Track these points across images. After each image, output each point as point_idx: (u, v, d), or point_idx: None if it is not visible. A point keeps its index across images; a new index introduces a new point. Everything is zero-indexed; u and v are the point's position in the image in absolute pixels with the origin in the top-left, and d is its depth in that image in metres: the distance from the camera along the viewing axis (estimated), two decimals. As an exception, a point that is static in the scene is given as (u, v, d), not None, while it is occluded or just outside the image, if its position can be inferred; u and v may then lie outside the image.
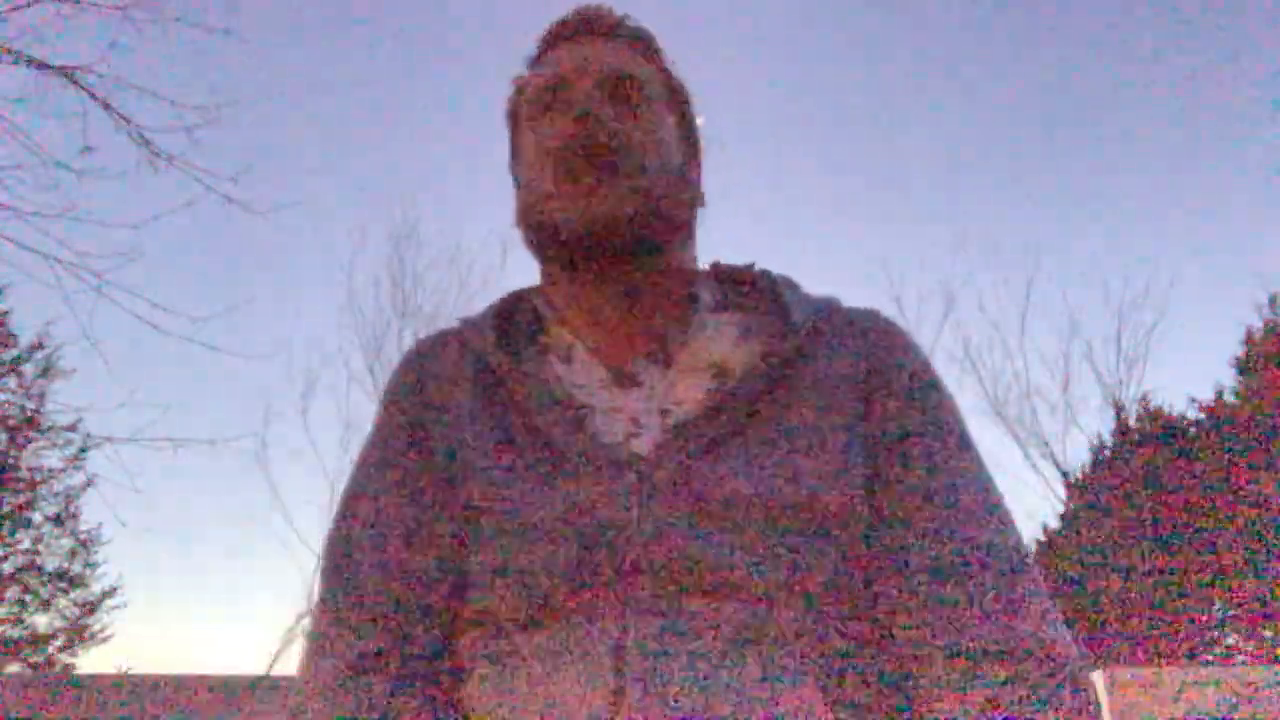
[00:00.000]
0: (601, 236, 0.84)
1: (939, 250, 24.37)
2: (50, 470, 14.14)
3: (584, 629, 0.74)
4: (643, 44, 0.94)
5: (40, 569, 14.23)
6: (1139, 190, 20.79)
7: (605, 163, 0.84)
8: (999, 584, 0.77)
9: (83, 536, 14.46)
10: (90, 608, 14.53)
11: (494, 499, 0.80)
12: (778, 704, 0.71)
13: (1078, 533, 14.67)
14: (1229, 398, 15.07)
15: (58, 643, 14.26)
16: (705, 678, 0.71)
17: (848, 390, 0.84)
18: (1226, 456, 14.07)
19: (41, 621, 14.25)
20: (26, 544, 14.24)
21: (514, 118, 0.97)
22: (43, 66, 5.96)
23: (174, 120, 6.34)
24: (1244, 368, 15.18)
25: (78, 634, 14.40)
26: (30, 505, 14.11)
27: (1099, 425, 17.35)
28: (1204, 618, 14.24)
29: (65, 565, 14.39)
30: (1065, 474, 15.25)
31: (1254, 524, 13.51)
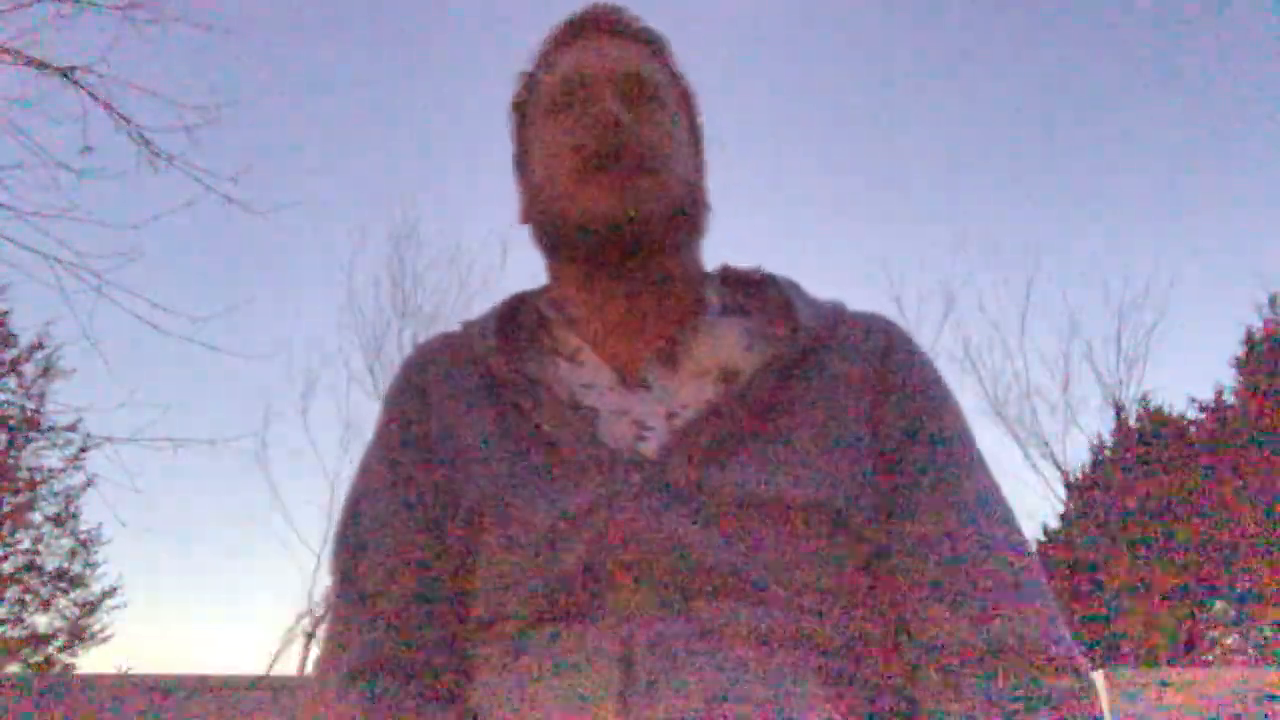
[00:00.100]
0: (624, 233, 0.84)
1: (939, 250, 24.36)
2: (50, 470, 14.15)
3: (591, 631, 0.75)
4: (654, 45, 0.95)
5: (40, 569, 14.23)
6: (1139, 190, 20.80)
7: (627, 162, 0.85)
8: (1005, 585, 0.77)
9: (83, 536, 14.46)
10: (90, 608, 14.52)
11: (500, 502, 0.80)
12: (786, 705, 0.71)
13: (1078, 533, 14.67)
14: (1229, 398, 15.07)
15: (58, 643, 14.25)
16: (713, 679, 0.71)
17: (855, 394, 0.84)
18: (1226, 456, 14.06)
19: (41, 621, 14.24)
20: (26, 544, 14.24)
21: (520, 112, 0.97)
22: (43, 66, 5.97)
23: (174, 120, 6.34)
24: (1244, 368, 15.18)
25: (78, 634, 14.39)
26: (30, 505, 14.10)
27: (1099, 425, 17.34)
28: (1204, 618, 14.24)
29: (65, 565, 14.38)
30: (1065, 474, 15.26)
31: (1254, 524, 13.50)
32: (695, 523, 0.77)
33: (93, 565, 14.64)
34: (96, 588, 14.64)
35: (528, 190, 0.95)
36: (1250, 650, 14.10)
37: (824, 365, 0.86)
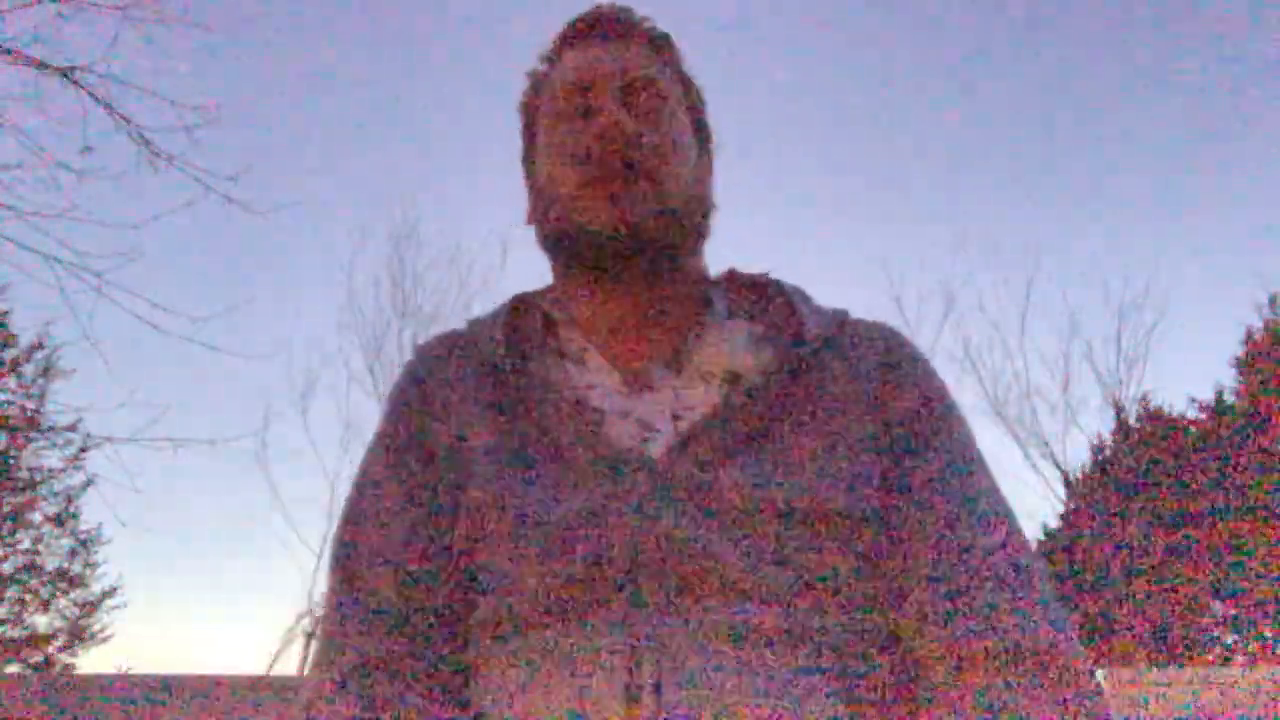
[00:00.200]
0: (626, 241, 0.85)
1: (939, 250, 24.34)
2: (50, 470, 14.15)
3: (597, 631, 0.75)
4: (660, 45, 0.94)
5: (40, 569, 14.23)
6: (1139, 190, 20.80)
7: (630, 170, 0.85)
8: (1010, 589, 0.77)
9: (83, 536, 14.47)
10: (90, 608, 14.53)
11: (504, 502, 0.80)
12: (791, 704, 0.71)
13: (1078, 533, 14.68)
14: (1229, 398, 15.07)
15: (58, 643, 14.26)
16: (719, 679, 0.71)
17: (860, 400, 0.84)
18: (1226, 456, 14.07)
19: (41, 621, 14.25)
20: (26, 544, 14.25)
21: (528, 112, 0.97)
22: (43, 66, 5.96)
23: (174, 120, 6.33)
24: (1244, 368, 15.18)
25: (78, 634, 14.40)
26: (30, 505, 14.11)
27: (1099, 425, 17.35)
28: (1204, 618, 14.25)
29: (65, 565, 14.39)
30: (1065, 474, 15.27)
31: (1254, 524, 13.51)
32: (700, 524, 0.77)
33: (93, 565, 14.65)
34: (96, 588, 14.66)
35: (533, 193, 0.95)
36: (1251, 650, 14.10)
37: (829, 371, 0.86)
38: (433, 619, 0.81)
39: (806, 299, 0.93)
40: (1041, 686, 0.72)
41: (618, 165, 0.85)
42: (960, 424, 0.88)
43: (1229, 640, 14.46)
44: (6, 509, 13.81)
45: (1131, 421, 15.18)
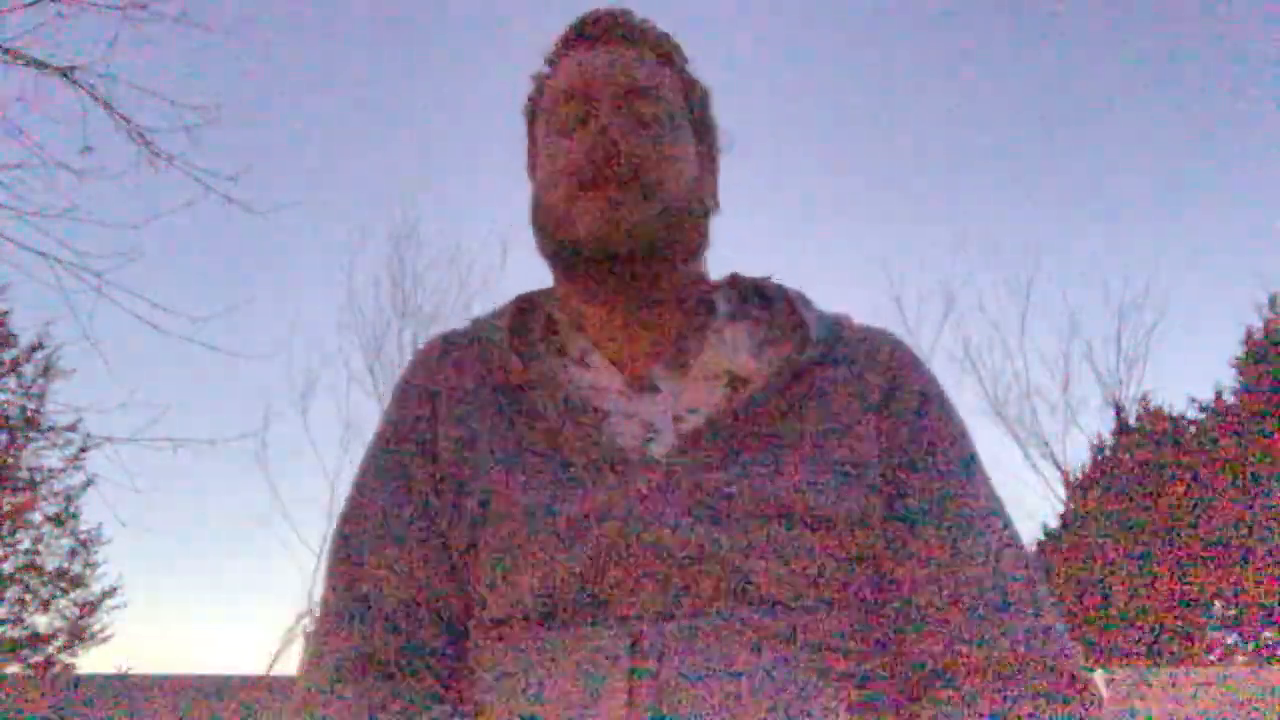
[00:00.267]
0: (616, 251, 0.85)
1: (939, 250, 24.38)
2: (50, 470, 14.14)
3: (598, 632, 0.75)
4: (661, 49, 0.94)
5: (40, 569, 14.22)
6: (1139, 190, 20.80)
7: (621, 180, 0.85)
8: (1009, 597, 0.77)
9: (83, 536, 14.46)
10: (90, 608, 14.51)
11: (507, 502, 0.80)
12: (792, 706, 0.71)
13: (1078, 533, 14.67)
14: (1229, 398, 15.06)
15: (58, 643, 14.25)
16: (719, 681, 0.71)
17: (862, 405, 0.85)
18: (1226, 456, 14.06)
19: (41, 621, 14.24)
20: (26, 544, 14.24)
21: (531, 116, 0.97)
22: (43, 66, 5.96)
23: (174, 120, 6.33)
24: (1244, 368, 15.17)
25: (78, 634, 14.38)
26: (30, 505, 14.10)
27: (1099, 425, 17.36)
28: (1204, 618, 14.24)
29: (65, 565, 14.38)
30: (1065, 474, 15.26)
31: (1254, 524, 13.50)
32: (701, 525, 0.77)
33: (93, 565, 14.63)
34: (96, 588, 14.64)
35: (532, 200, 0.95)
36: (1251, 650, 14.09)
37: (831, 376, 0.86)
38: (430, 617, 0.81)
39: (809, 304, 0.93)
40: (1041, 696, 0.72)
41: (608, 175, 0.85)
42: (960, 430, 0.88)
43: (1229, 640, 14.46)
44: (6, 509, 13.80)
45: (1131, 421, 15.17)
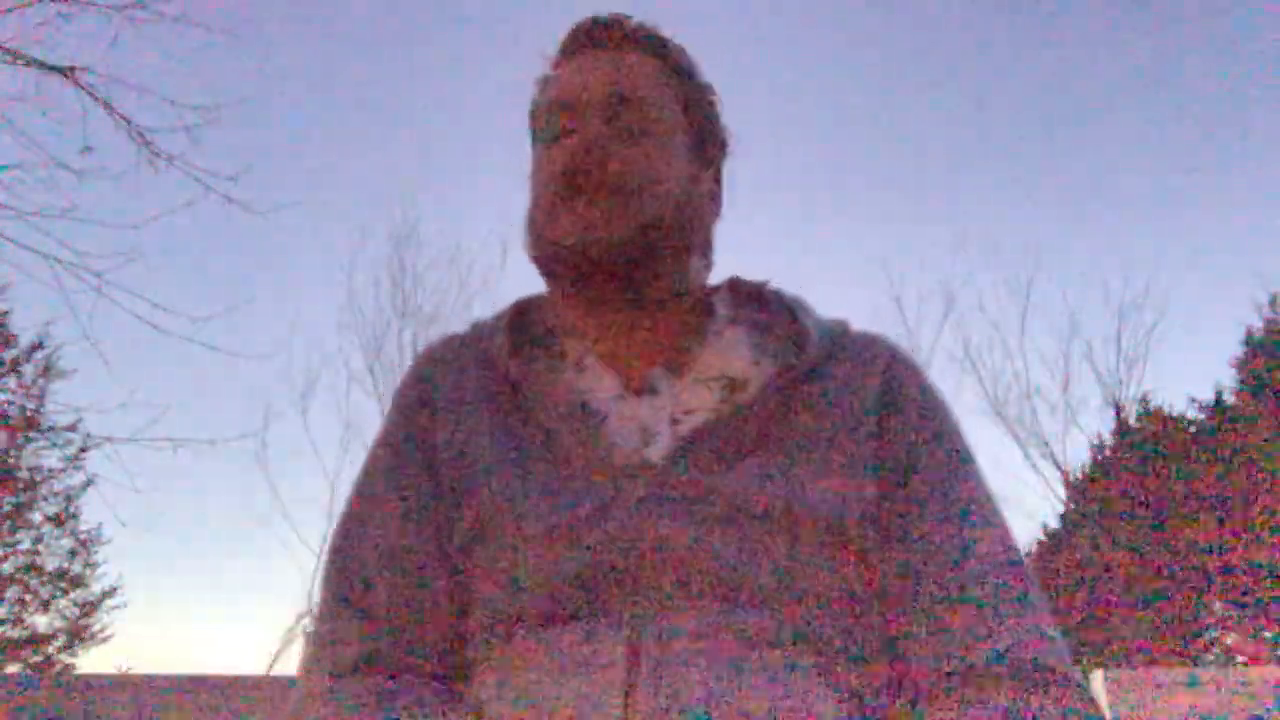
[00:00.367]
0: (595, 262, 0.85)
1: (939, 250, 24.40)
2: (50, 470, 14.15)
3: (596, 633, 0.75)
4: (660, 55, 0.93)
5: (40, 569, 14.23)
6: (1139, 190, 20.81)
7: (601, 191, 0.85)
8: (1003, 601, 0.78)
9: (83, 536, 14.47)
10: (90, 608, 14.53)
11: (506, 505, 0.81)
12: (788, 707, 0.72)
13: (1078, 533, 14.68)
14: (1229, 398, 15.07)
15: (58, 643, 14.26)
16: (717, 680, 0.72)
17: (859, 410, 0.85)
18: (1226, 456, 14.06)
19: (41, 621, 14.25)
20: (26, 544, 14.24)
21: (532, 120, 0.97)
22: (43, 66, 5.96)
23: (174, 120, 6.32)
24: (1244, 368, 15.18)
25: (78, 634, 14.39)
26: (30, 505, 14.10)
27: (1099, 425, 17.36)
28: (1204, 618, 14.25)
29: (65, 565, 14.39)
30: (1065, 474, 15.27)
31: (1254, 524, 13.50)
32: (699, 528, 0.77)
33: (93, 565, 14.65)
34: (96, 588, 14.66)
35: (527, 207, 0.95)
36: (1251, 650, 14.09)
37: (828, 381, 0.87)
38: (428, 618, 0.82)
39: (807, 309, 0.93)
40: (1037, 696, 0.73)
41: (587, 186, 0.85)
42: (957, 435, 0.88)
43: (1229, 641, 14.46)
44: (6, 509, 13.80)
45: (1131, 421, 15.18)
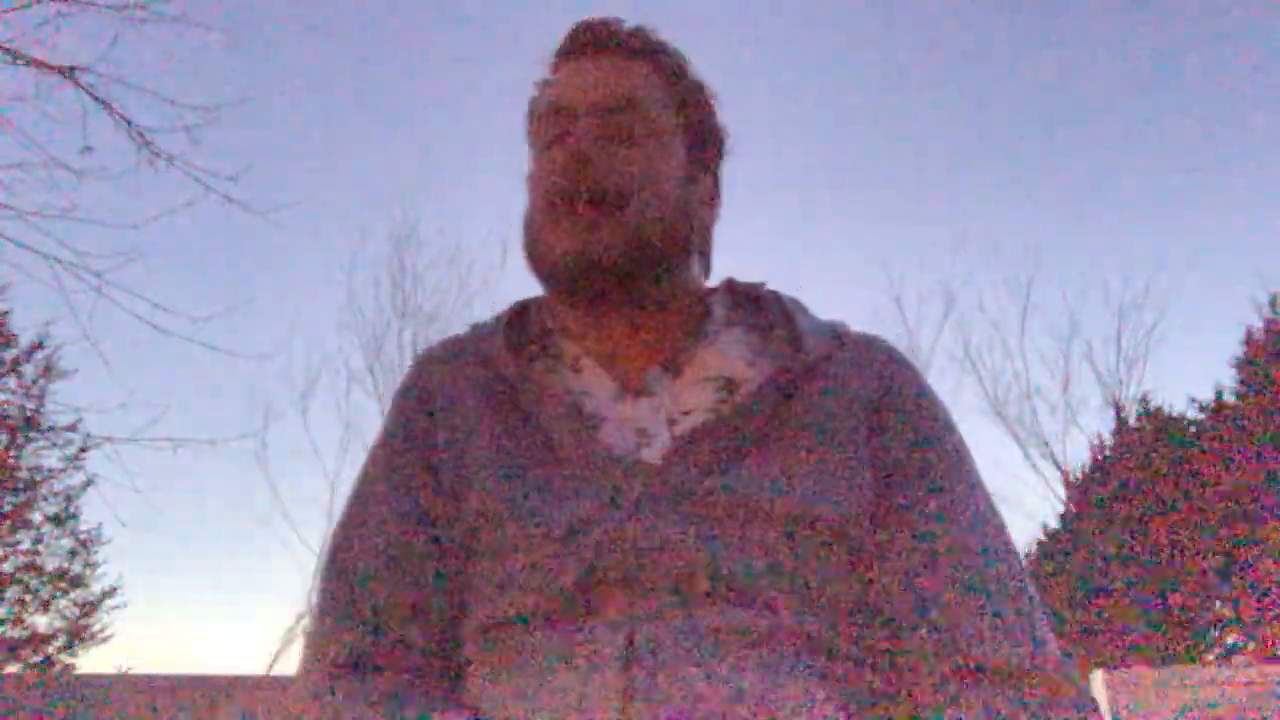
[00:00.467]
0: (593, 274, 0.85)
1: (939, 250, 24.40)
2: (50, 470, 14.14)
3: (592, 634, 0.75)
4: (656, 58, 0.93)
5: (40, 569, 14.22)
6: (1139, 190, 20.81)
7: (593, 200, 0.84)
8: (998, 602, 0.78)
9: (83, 536, 14.45)
10: (90, 608, 14.51)
11: (503, 506, 0.81)
12: (785, 707, 0.72)
13: (1078, 533, 14.67)
14: (1229, 398, 15.06)
15: (58, 643, 14.25)
16: (714, 680, 0.72)
17: (855, 410, 0.85)
18: (1226, 456, 14.06)
19: (41, 621, 14.24)
20: (26, 544, 14.24)
21: (529, 124, 0.97)
22: (43, 66, 5.96)
23: (174, 120, 6.32)
24: (1244, 368, 15.17)
25: (78, 634, 14.38)
26: (30, 505, 14.10)
27: (1099, 425, 17.40)
28: (1204, 618, 14.24)
29: (65, 565, 14.37)
30: (1065, 474, 15.27)
31: (1254, 524, 13.50)
32: (696, 529, 0.78)
33: (93, 565, 14.63)
34: (96, 588, 14.64)
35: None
36: (1251, 650, 14.09)
37: (825, 382, 0.87)
38: (425, 619, 0.82)
39: (804, 310, 0.93)
40: (1033, 697, 0.73)
41: (579, 195, 0.85)
42: (953, 436, 0.89)
43: (1229, 640, 14.46)
44: (6, 509, 13.80)
45: (1131, 421, 15.18)
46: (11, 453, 13.73)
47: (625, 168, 0.86)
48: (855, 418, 0.85)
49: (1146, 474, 14.35)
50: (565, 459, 0.83)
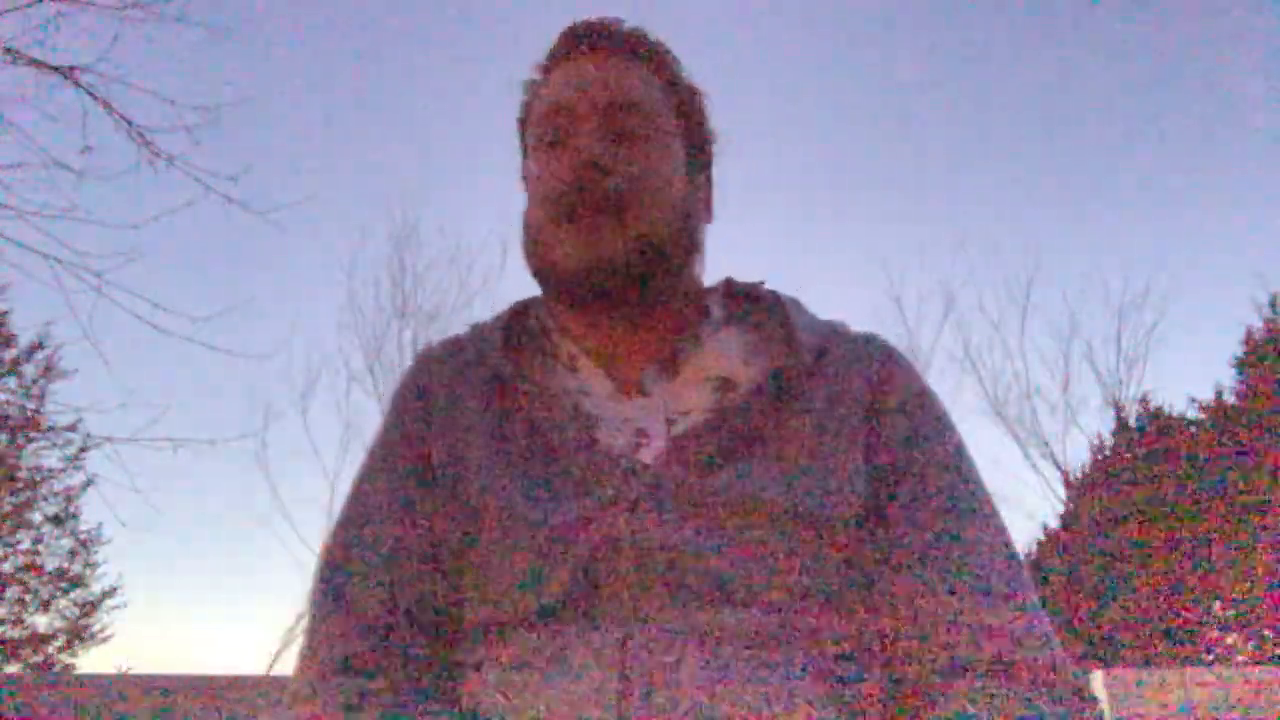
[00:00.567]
0: (602, 280, 0.84)
1: (939, 250, 24.39)
2: (50, 470, 14.14)
3: (588, 634, 0.75)
4: (653, 59, 0.92)
5: (40, 569, 14.22)
6: (1139, 190, 20.81)
7: (601, 208, 0.84)
8: (998, 598, 0.78)
9: (83, 536, 14.46)
10: (90, 608, 14.51)
11: (500, 506, 0.81)
12: (783, 707, 0.72)
13: (1078, 533, 14.67)
14: (1229, 398, 15.06)
15: (58, 643, 14.25)
16: (710, 680, 0.72)
17: (851, 409, 0.85)
18: (1226, 456, 14.06)
19: (41, 621, 14.24)
20: (26, 544, 14.24)
21: (523, 124, 0.96)
22: (43, 66, 5.95)
23: (174, 120, 6.32)
24: (1244, 368, 15.17)
25: (78, 634, 14.38)
26: (30, 505, 14.10)
27: (1099, 425, 17.40)
28: (1204, 618, 14.24)
29: (65, 565, 14.38)
30: (1065, 474, 15.27)
31: (1253, 524, 13.50)
32: (693, 528, 0.78)
33: (93, 565, 14.64)
34: (96, 588, 14.64)
35: (523, 216, 0.94)
36: (1251, 650, 14.09)
37: (821, 381, 0.87)
38: (421, 619, 0.82)
39: (801, 309, 0.93)
40: (1035, 696, 0.73)
41: (590, 201, 0.84)
42: (950, 432, 0.88)
43: (1229, 640, 14.45)
44: (6, 509, 13.80)
45: (1131, 421, 15.18)
46: (11, 453, 13.72)
47: (632, 170, 0.86)
48: (852, 416, 0.85)
49: (1146, 474, 14.34)
50: (563, 459, 0.83)
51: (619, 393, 0.87)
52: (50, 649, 14.21)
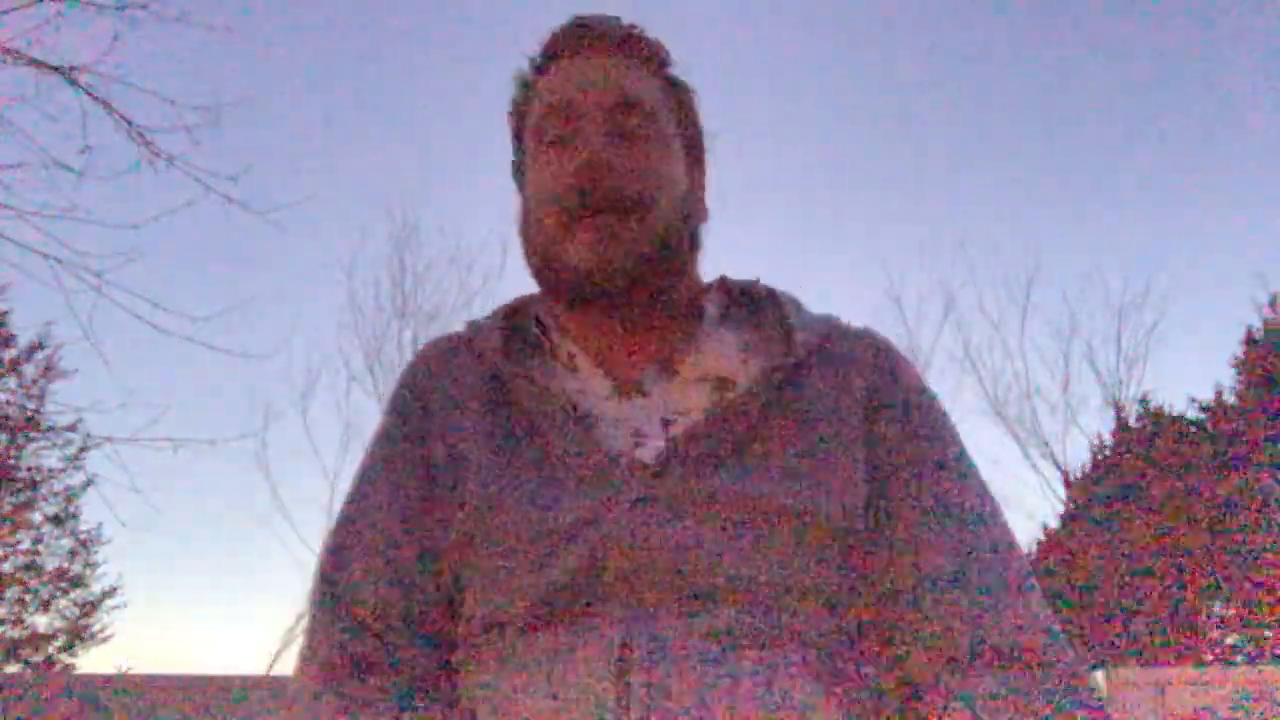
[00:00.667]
0: (614, 281, 0.84)
1: (939, 250, 24.40)
2: (50, 470, 14.14)
3: (588, 635, 0.75)
4: (651, 57, 0.92)
5: (40, 569, 14.22)
6: (1139, 190, 20.80)
7: (612, 208, 0.84)
8: (1000, 592, 0.78)
9: (83, 536, 14.46)
10: (90, 608, 14.51)
11: (497, 506, 0.81)
12: (782, 706, 0.72)
13: (1078, 533, 14.67)
14: (1229, 398, 15.06)
15: (58, 643, 14.24)
16: (709, 679, 0.72)
17: (849, 406, 0.85)
18: (1226, 456, 14.06)
19: (41, 621, 14.24)
20: (26, 544, 14.24)
21: (517, 119, 0.96)
22: (43, 66, 5.95)
23: (174, 120, 6.31)
24: (1244, 368, 15.16)
25: (78, 634, 14.38)
26: (30, 505, 14.10)
27: (1099, 425, 17.40)
28: (1204, 618, 14.24)
29: (65, 565, 14.37)
30: (1065, 474, 15.27)
31: (1253, 524, 13.50)
32: (691, 528, 0.77)
33: (93, 565, 14.63)
34: (96, 588, 14.64)
35: (521, 214, 0.93)
36: (1251, 650, 14.09)
37: (818, 378, 0.86)
38: (419, 620, 0.82)
39: (798, 306, 0.93)
40: (1036, 688, 0.73)
41: (598, 203, 0.84)
42: (948, 429, 0.88)
43: (1229, 640, 14.46)
44: (6, 509, 13.80)
45: (1131, 421, 15.18)
46: (11, 453, 13.72)
47: (640, 169, 0.86)
48: (850, 413, 0.85)
49: (1146, 474, 14.34)
50: (561, 459, 0.82)
51: (618, 393, 0.87)
52: (50, 649, 14.21)
